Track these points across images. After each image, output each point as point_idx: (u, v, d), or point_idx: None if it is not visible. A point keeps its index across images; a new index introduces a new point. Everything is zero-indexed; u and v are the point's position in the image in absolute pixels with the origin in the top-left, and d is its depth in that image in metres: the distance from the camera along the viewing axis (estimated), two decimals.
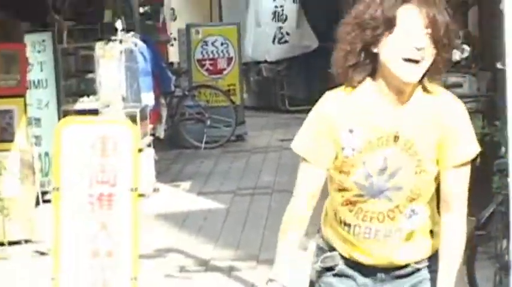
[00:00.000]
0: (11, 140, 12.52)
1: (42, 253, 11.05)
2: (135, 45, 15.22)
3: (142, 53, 15.30)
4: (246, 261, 10.62)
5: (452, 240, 3.87)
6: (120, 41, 14.38)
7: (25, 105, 12.67)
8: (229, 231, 12.47)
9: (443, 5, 3.81)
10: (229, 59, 20.89)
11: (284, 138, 18.75)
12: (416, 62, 3.62)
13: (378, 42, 3.68)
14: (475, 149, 3.80)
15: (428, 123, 3.74)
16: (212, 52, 20.95)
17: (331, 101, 3.88)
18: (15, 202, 11.96)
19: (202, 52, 21.03)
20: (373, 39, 3.67)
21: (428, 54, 3.67)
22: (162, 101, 18.59)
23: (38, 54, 14.06)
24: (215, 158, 18.35)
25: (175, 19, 27.52)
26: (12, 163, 12.33)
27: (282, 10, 24.34)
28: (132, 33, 15.72)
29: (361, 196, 3.86)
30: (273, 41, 24.43)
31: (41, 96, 14.19)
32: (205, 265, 10.76)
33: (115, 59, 13.92)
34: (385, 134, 3.75)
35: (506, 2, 5.96)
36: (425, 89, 3.79)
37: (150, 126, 16.14)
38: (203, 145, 18.86)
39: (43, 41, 14.18)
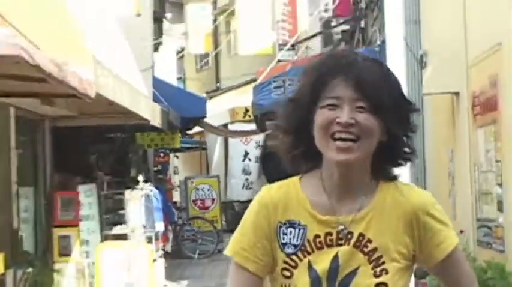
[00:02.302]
0: (69, 255, 12.54)
1: None
2: (151, 191, 15.18)
3: (155, 197, 15.29)
4: None
5: None
6: (141, 189, 14.36)
7: (78, 231, 12.63)
8: None
9: (382, 64, 2.21)
10: (213, 200, 21.14)
11: None
12: (347, 140, 2.04)
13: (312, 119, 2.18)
14: (454, 240, 2.15)
15: (393, 218, 2.09)
16: (202, 195, 21.22)
17: (271, 192, 2.21)
18: None
19: (195, 195, 21.25)
20: (306, 116, 2.13)
21: (367, 133, 2.05)
22: (169, 227, 18.75)
23: (87, 197, 13.63)
24: (204, 264, 18.20)
25: (178, 173, 27.57)
26: (70, 270, 12.33)
27: (248, 167, 24.98)
28: (149, 183, 15.65)
29: None
30: (242, 188, 24.95)
31: (89, 226, 13.58)
32: None
33: (138, 201, 13.78)
34: (334, 229, 2.13)
35: None
36: (378, 181, 2.17)
37: (161, 244, 16.17)
38: (196, 256, 18.82)
39: (90, 189, 13.80)
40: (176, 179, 25.91)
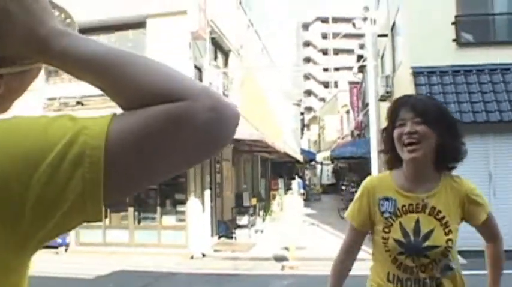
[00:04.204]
0: (275, 199, 12.95)
1: None
2: (298, 179, 15.97)
3: (299, 181, 15.91)
4: None
5: (498, 253, 1.62)
6: (296, 179, 15.01)
7: (277, 192, 13.52)
8: None
9: (431, 98, 1.55)
10: (317, 182, 20.97)
11: None
12: (412, 144, 1.43)
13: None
14: (488, 209, 1.52)
15: (451, 197, 1.49)
16: (314, 181, 21.83)
17: (372, 180, 1.60)
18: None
19: (311, 181, 21.30)
20: (391, 138, 1.49)
21: (425, 137, 1.42)
22: (304, 191, 17.01)
23: (280, 182, 14.55)
24: (316, 202, 16.59)
25: (307, 175, 27.86)
26: (275, 203, 12.70)
27: (328, 175, 24.43)
28: (298, 177, 16.31)
29: (402, 253, 1.46)
30: (327, 180, 24.60)
31: (280, 190, 14.03)
32: None
33: (295, 182, 14.25)
34: (414, 202, 1.48)
35: None
36: (440, 172, 1.49)
37: (302, 196, 14.71)
38: (313, 199, 17.16)
39: (281, 179, 14.59)
40: (306, 177, 26.42)
